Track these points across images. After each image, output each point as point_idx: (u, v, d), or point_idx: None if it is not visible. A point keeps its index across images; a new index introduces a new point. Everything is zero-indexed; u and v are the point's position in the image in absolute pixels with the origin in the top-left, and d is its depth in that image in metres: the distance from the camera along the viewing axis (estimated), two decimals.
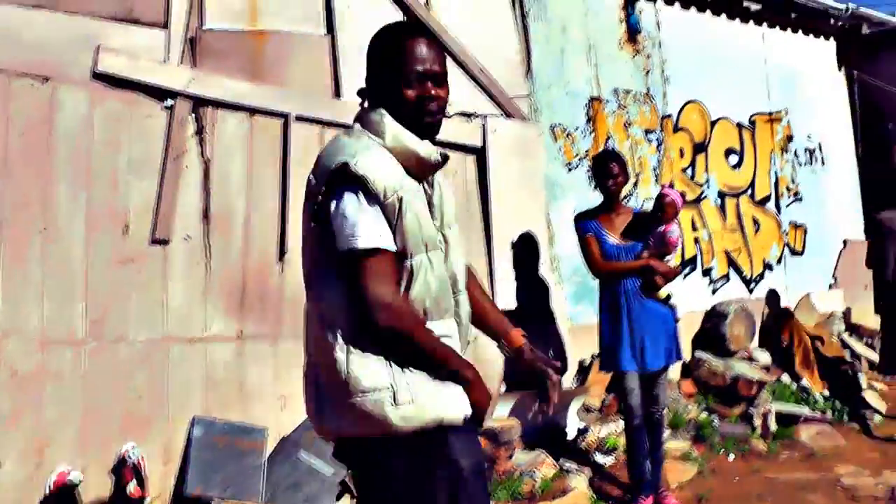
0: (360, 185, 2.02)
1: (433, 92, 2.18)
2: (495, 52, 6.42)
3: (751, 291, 8.09)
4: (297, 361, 2.43)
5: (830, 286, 9.05)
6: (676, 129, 7.58)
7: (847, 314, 8.92)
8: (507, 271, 6.04)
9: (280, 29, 5.54)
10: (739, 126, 8.24)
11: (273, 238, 5.30)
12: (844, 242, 9.27)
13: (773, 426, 6.94)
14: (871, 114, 9.96)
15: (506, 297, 5.99)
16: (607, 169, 5.22)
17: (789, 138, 8.78)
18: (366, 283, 1.99)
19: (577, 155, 6.82)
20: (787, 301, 8.34)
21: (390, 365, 2.05)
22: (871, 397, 7.94)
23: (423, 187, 2.21)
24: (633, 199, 7.12)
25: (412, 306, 2.09)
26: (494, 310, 2.56)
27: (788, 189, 8.69)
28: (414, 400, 2.03)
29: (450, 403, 2.09)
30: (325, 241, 2.08)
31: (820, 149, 9.14)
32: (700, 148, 7.80)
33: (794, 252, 8.63)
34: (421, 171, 2.18)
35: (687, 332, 7.19)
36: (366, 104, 2.24)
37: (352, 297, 2.03)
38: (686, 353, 7.12)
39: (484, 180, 6.17)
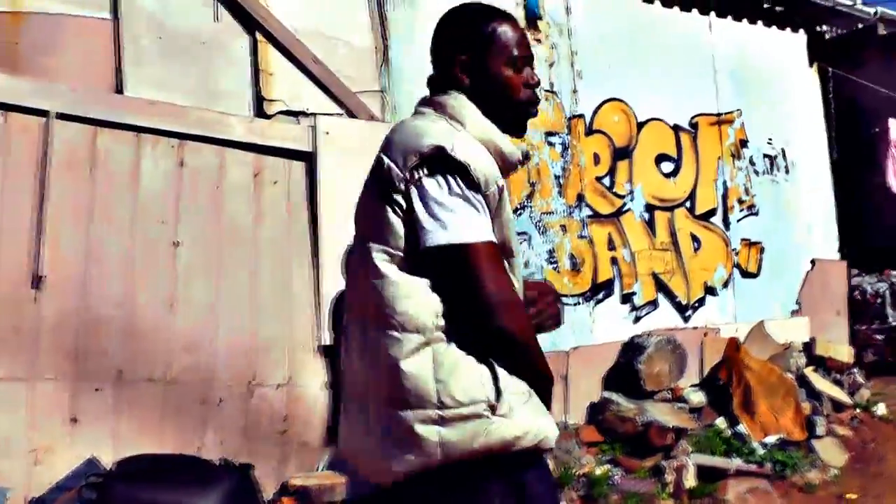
0: (459, 171, 1.69)
1: (536, 78, 1.93)
2: (339, 42, 5.22)
3: (686, 320, 6.66)
4: (59, 407, 2.15)
5: (793, 312, 7.52)
6: (590, 131, 6.24)
7: (811, 345, 7.37)
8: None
9: (47, 9, 4.43)
10: (676, 128, 6.83)
11: (25, 260, 4.19)
12: (813, 262, 7.72)
13: (689, 482, 5.54)
14: (851, 117, 8.40)
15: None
16: None
17: (743, 143, 7.32)
18: (482, 278, 1.65)
19: None
20: (734, 330, 6.86)
21: (491, 371, 1.69)
22: (825, 446, 6.45)
23: None
24: (527, 211, 5.80)
25: None
26: None
27: (741, 201, 7.22)
28: (511, 413, 1.68)
29: (549, 421, 1.77)
30: (408, 235, 1.71)
31: (784, 155, 7.63)
32: (623, 153, 6.44)
33: (746, 274, 7.16)
34: (502, 170, 1.82)
35: (598, 368, 5.86)
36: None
37: (455, 298, 1.69)
38: (594, 394, 5.83)
39: (313, 190, 4.95)
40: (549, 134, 6.05)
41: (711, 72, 7.16)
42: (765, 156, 7.51)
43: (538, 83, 1.91)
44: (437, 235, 1.66)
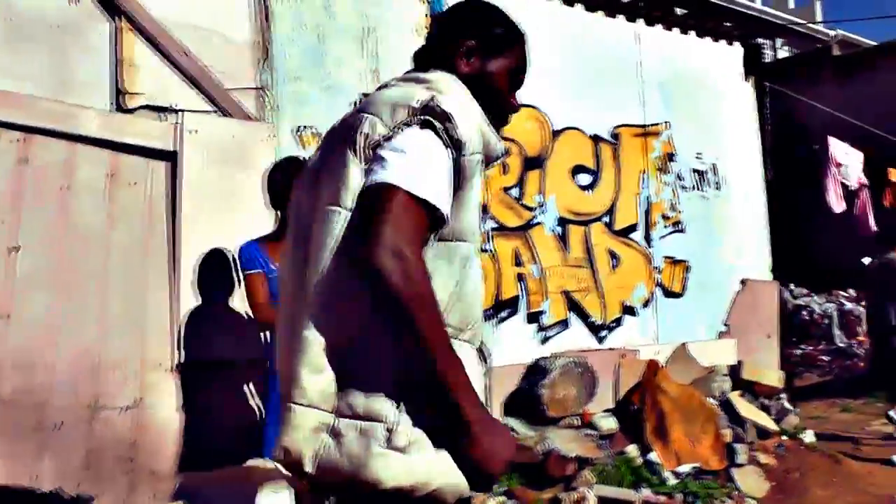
0: (441, 124, 1.53)
1: (518, 104, 1.90)
2: (214, 34, 4.80)
3: (601, 341, 6.27)
4: None
5: (720, 334, 7.15)
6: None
7: (737, 369, 7.00)
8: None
9: None
10: (596, 139, 6.45)
11: None
12: (743, 282, 7.37)
13: None
14: (791, 135, 8.10)
15: None
16: (288, 182, 3.64)
17: (670, 157, 6.96)
18: (385, 222, 1.42)
19: None
20: (655, 352, 6.48)
21: (397, 389, 1.49)
22: (745, 476, 6.08)
23: None
24: None
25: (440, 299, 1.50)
26: None
27: (665, 217, 6.85)
28: (413, 449, 1.48)
29: (452, 475, 1.51)
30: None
31: (714, 171, 7.29)
32: (535, 163, 6.04)
33: (669, 293, 6.79)
34: (486, 158, 1.67)
35: (498, 392, 5.46)
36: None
37: (350, 245, 1.48)
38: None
39: (176, 193, 4.51)
40: None
41: (637, 81, 6.80)
42: (694, 171, 7.16)
43: (517, 109, 1.87)
44: (377, 175, 1.50)
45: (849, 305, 12.31)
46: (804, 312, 12.83)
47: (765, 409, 7.05)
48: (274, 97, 4.98)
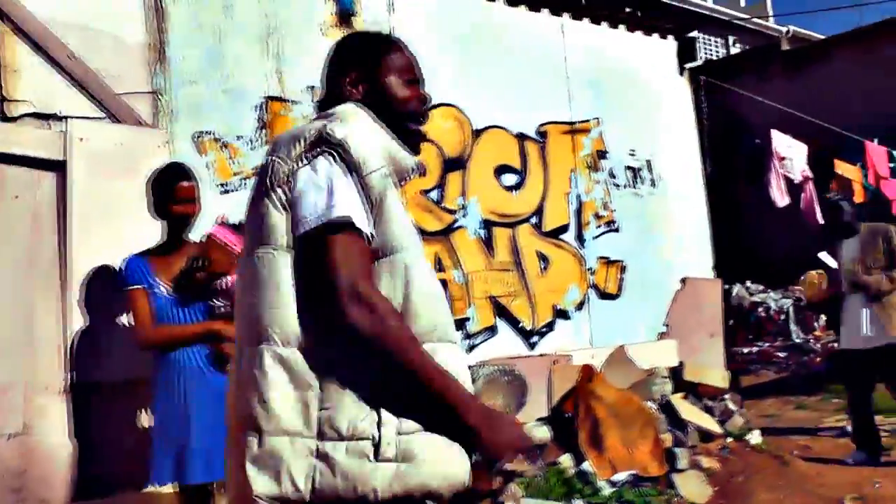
0: (337, 150, 1.64)
1: (426, 94, 1.96)
2: (104, 35, 4.59)
3: (532, 347, 6.11)
4: None
5: (660, 335, 7.03)
6: None
7: (678, 370, 6.88)
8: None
9: None
10: (521, 137, 6.31)
11: None
12: (683, 281, 7.25)
13: None
14: (733, 129, 8.02)
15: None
16: (173, 189, 3.43)
17: (602, 154, 6.84)
18: (335, 265, 1.54)
19: (238, 173, 4.94)
20: (590, 357, 6.33)
21: (375, 408, 1.56)
22: (686, 481, 5.95)
23: None
24: None
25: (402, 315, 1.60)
26: None
27: (598, 216, 6.72)
28: (404, 456, 1.55)
29: (451, 462, 1.60)
30: (287, 228, 1.64)
31: (649, 168, 7.18)
32: (455, 164, 5.88)
33: (604, 295, 6.66)
34: (398, 175, 1.78)
35: None
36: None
37: (312, 293, 1.58)
38: None
39: (64, 205, 4.30)
40: None
41: (564, 77, 6.68)
42: (627, 168, 7.04)
43: (427, 98, 1.94)
44: (302, 220, 1.60)
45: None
46: (760, 309, 12.81)
47: (709, 410, 6.93)
48: (169, 101, 4.78)
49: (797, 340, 11.96)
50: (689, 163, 7.58)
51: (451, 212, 5.86)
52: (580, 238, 6.59)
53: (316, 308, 1.58)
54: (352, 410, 1.56)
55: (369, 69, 1.90)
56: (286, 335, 1.60)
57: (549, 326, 6.30)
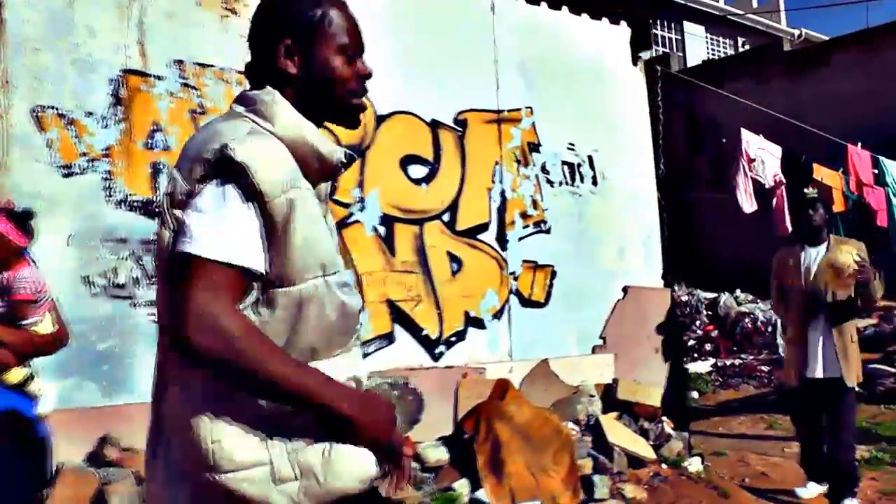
0: (236, 175, 1.52)
1: (369, 69, 1.80)
2: None
3: (437, 358, 5.61)
4: None
5: (595, 349, 6.48)
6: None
7: (611, 388, 6.34)
8: None
9: None
10: (435, 125, 5.79)
11: None
12: (625, 290, 6.70)
13: None
14: (694, 127, 7.45)
15: None
16: None
17: (533, 147, 6.30)
18: (189, 290, 1.48)
19: (86, 153, 4.48)
20: (508, 370, 5.82)
21: (264, 431, 1.55)
22: None
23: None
24: None
25: (263, 330, 1.54)
26: None
27: (526, 216, 6.19)
28: (303, 471, 1.56)
29: (351, 461, 1.61)
30: None
31: (591, 164, 6.64)
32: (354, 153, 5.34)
33: (528, 302, 6.12)
34: (320, 173, 1.69)
35: None
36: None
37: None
38: None
39: None
40: None
41: (492, 61, 6.15)
42: (564, 163, 6.50)
43: (370, 74, 1.79)
44: (176, 242, 1.53)
45: None
46: (747, 320, 12.31)
47: (644, 433, 6.38)
48: (5, 71, 4.32)
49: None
50: (639, 161, 7.03)
51: (345, 205, 5.37)
52: (502, 239, 6.07)
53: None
54: (238, 439, 1.53)
55: (306, 37, 1.71)
56: (176, 371, 1.60)
57: (460, 336, 5.79)
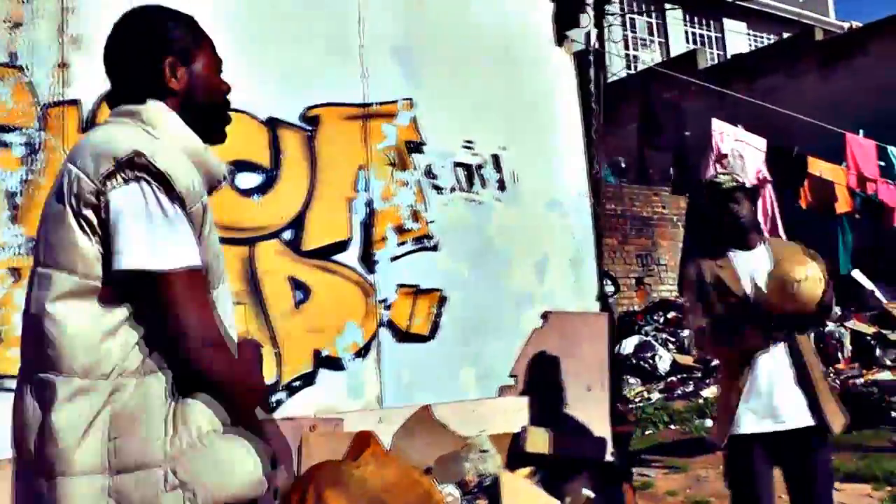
0: (159, 182, 1.62)
1: (229, 85, 2.04)
2: None
3: (273, 408, 4.66)
4: None
5: (503, 391, 5.44)
6: (93, 125, 4.32)
7: (519, 438, 5.29)
8: None
9: None
10: (274, 124, 4.89)
11: None
12: (545, 317, 5.65)
13: None
14: (651, 118, 6.40)
15: None
16: None
17: (414, 147, 5.33)
18: (184, 308, 1.59)
19: None
20: (376, 420, 4.84)
21: (165, 426, 1.61)
22: None
23: None
24: None
25: None
26: None
27: (403, 230, 5.23)
28: (191, 478, 1.59)
29: (238, 470, 1.66)
30: (104, 256, 1.61)
31: (497, 165, 5.65)
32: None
33: (405, 336, 5.15)
34: (207, 185, 1.81)
35: None
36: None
37: (154, 330, 1.63)
38: None
39: None
40: (4, 129, 4.19)
41: (355, 43, 5.21)
42: (458, 165, 5.51)
43: (230, 89, 1.98)
44: (131, 258, 1.58)
45: (830, 326, 10.59)
46: None
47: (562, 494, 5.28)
48: None
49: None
50: (567, 160, 5.97)
51: None
52: (368, 259, 5.10)
53: (168, 346, 1.62)
54: (136, 440, 1.57)
55: (187, 54, 1.85)
56: (79, 365, 1.58)
57: (307, 379, 4.84)
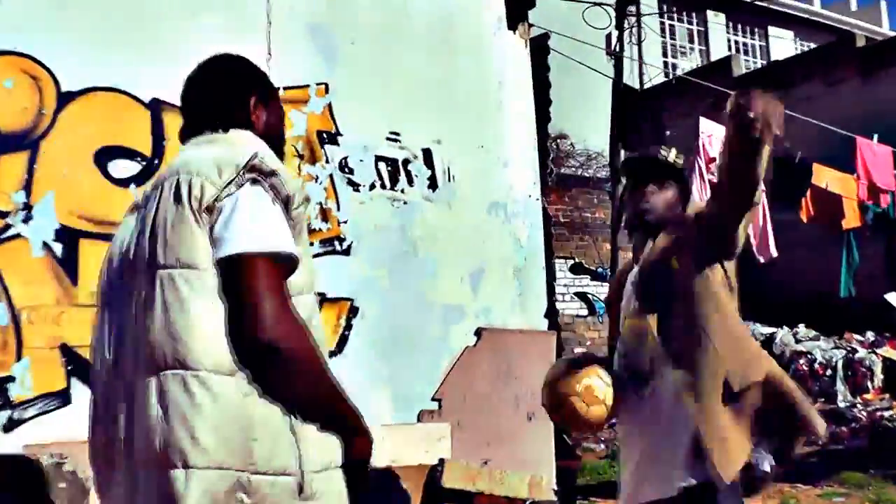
0: (269, 181, 1.79)
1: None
2: None
3: None
4: None
5: (423, 415, 4.94)
6: None
7: (435, 471, 4.77)
8: None
9: None
10: (156, 106, 4.51)
11: None
12: (478, 333, 5.12)
13: None
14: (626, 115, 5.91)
15: None
16: None
17: (328, 137, 4.88)
18: (264, 287, 1.68)
19: None
20: None
21: (294, 440, 1.71)
22: None
23: None
24: None
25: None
26: None
27: (310, 230, 4.72)
28: (315, 494, 1.73)
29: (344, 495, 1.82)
30: (207, 252, 1.73)
31: (427, 161, 5.18)
32: (15, 143, 4.18)
33: None
34: None
35: None
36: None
37: (234, 316, 1.70)
38: None
39: None
40: None
41: (263, 20, 4.77)
42: (380, 159, 5.02)
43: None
44: (229, 245, 1.70)
45: (861, 352, 9.92)
46: (802, 361, 10.51)
47: None
48: None
49: (841, 405, 9.67)
50: (514, 157, 5.45)
51: (1, 214, 4.09)
52: None
53: (238, 332, 1.67)
54: (278, 444, 1.67)
55: (267, 95, 2.10)
56: (209, 361, 1.66)
57: None
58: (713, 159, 6.35)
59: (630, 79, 14.48)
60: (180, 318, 1.68)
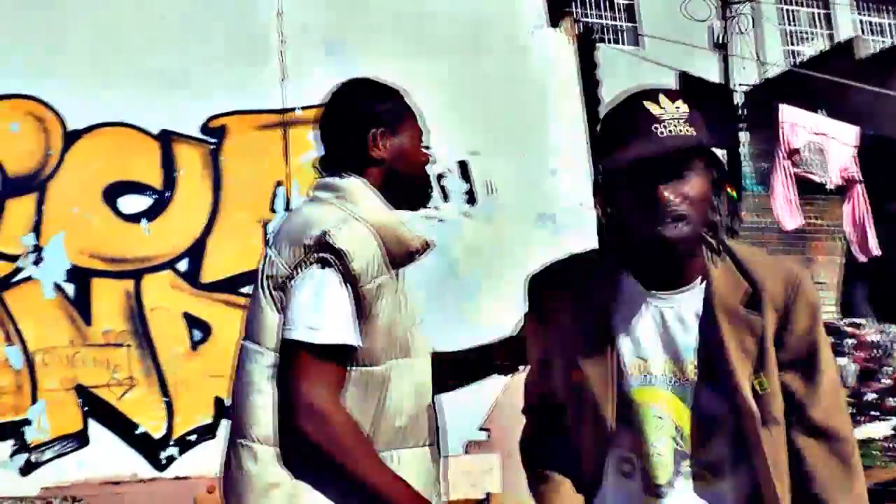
0: (336, 261, 1.77)
1: (430, 156, 2.16)
2: None
3: (162, 466, 4.20)
4: None
5: (470, 446, 4.72)
6: None
7: None
8: None
9: None
10: (167, 137, 4.46)
11: None
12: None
13: None
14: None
15: None
16: None
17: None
18: (300, 380, 1.75)
19: None
20: None
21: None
22: None
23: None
24: None
25: (358, 422, 1.81)
26: None
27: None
28: None
29: None
30: (271, 333, 1.80)
31: (464, 173, 5.02)
32: (22, 185, 4.25)
33: None
34: (398, 256, 1.89)
35: None
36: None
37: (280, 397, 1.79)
38: None
39: None
40: None
41: (275, 40, 4.67)
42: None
43: (429, 160, 2.08)
44: (288, 329, 1.75)
45: None
46: None
47: None
48: None
49: None
50: (563, 165, 5.14)
51: (10, 258, 4.13)
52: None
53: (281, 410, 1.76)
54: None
55: (394, 127, 1.97)
56: (261, 432, 1.75)
57: (205, 432, 4.30)
58: (796, 150, 5.83)
59: (741, 74, 13.74)
60: (246, 388, 1.80)
